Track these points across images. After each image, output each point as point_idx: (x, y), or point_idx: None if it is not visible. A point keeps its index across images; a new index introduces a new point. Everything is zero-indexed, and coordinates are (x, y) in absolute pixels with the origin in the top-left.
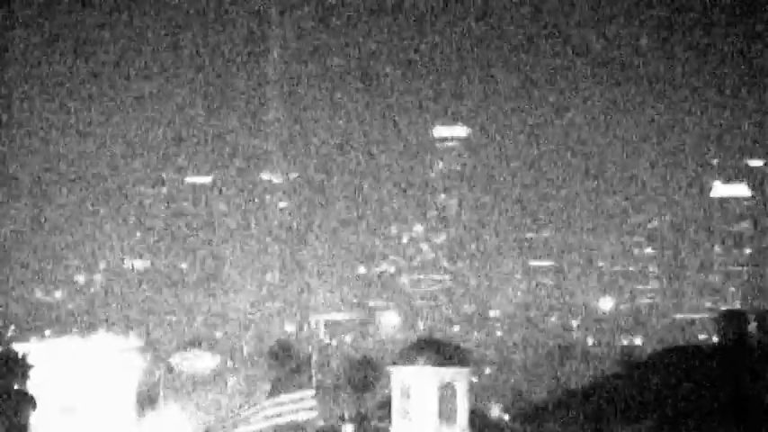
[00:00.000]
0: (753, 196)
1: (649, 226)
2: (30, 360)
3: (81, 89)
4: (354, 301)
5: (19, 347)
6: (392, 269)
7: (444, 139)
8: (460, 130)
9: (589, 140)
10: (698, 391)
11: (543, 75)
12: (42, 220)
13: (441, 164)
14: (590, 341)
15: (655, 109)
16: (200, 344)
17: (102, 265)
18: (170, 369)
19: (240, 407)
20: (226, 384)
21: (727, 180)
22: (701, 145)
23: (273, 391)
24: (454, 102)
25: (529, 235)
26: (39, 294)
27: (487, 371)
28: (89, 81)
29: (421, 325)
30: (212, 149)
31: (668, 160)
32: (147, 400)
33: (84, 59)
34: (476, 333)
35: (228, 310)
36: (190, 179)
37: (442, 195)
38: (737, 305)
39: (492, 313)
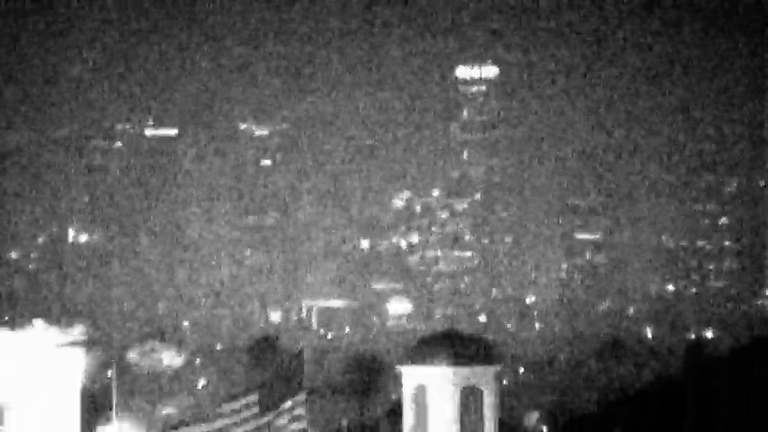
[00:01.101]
0: None
1: (726, 190)
2: None
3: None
4: (356, 283)
5: None
6: (403, 244)
7: (469, 82)
8: (489, 71)
9: (650, 83)
10: None
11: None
12: None
13: (464, 112)
14: (649, 333)
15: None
16: (162, 336)
17: (40, 239)
18: (124, 368)
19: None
20: (194, 387)
21: None
22: None
23: (249, 393)
24: (481, 35)
25: (573, 201)
26: None
27: (522, 371)
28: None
29: (438, 314)
30: (178, 94)
31: (753, 105)
32: (95, 407)
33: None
34: (508, 324)
35: (198, 295)
36: (151, 131)
37: (466, 153)
38: None
39: (528, 300)
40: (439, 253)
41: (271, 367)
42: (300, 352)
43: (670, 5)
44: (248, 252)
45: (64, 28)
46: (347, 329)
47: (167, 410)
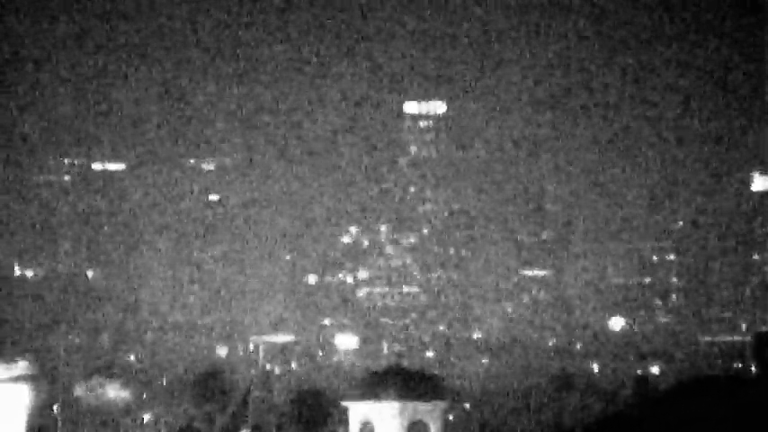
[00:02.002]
0: None
1: (672, 228)
2: None
3: None
4: (303, 319)
5: None
6: (350, 279)
7: (417, 117)
8: (437, 106)
9: (598, 120)
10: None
11: (542, 34)
12: None
13: (413, 148)
14: (596, 368)
15: (681, 84)
16: (108, 371)
17: None
18: (70, 404)
19: None
20: (140, 422)
21: None
22: (735, 130)
23: None
24: (430, 72)
25: (521, 238)
26: None
27: (468, 406)
28: None
29: (385, 349)
30: (126, 128)
31: (696, 147)
32: None
33: None
34: (454, 359)
35: (144, 329)
36: (98, 165)
37: (413, 188)
38: None
39: (475, 335)
40: (386, 289)
41: (216, 402)
42: (248, 388)
43: (617, 31)
44: (195, 287)
45: (17, 61)
46: (294, 364)
47: None
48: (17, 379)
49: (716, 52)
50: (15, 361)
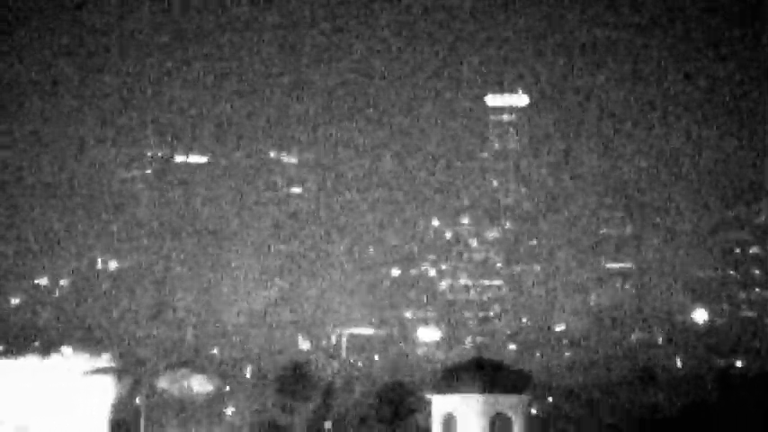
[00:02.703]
0: None
1: (756, 221)
2: None
3: (48, 56)
4: (385, 312)
5: None
6: (433, 272)
7: (499, 110)
8: (519, 99)
9: (683, 111)
10: None
11: (621, 24)
12: None
13: (495, 141)
14: (679, 362)
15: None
16: (192, 363)
17: (70, 266)
18: (153, 395)
19: None
20: (222, 414)
21: None
22: None
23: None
24: (511, 64)
25: (604, 231)
26: None
27: (551, 399)
28: (58, 47)
29: (468, 342)
30: (209, 122)
31: None
32: None
33: (57, 29)
34: (537, 353)
35: (228, 322)
36: (180, 158)
37: (496, 181)
38: None
39: (558, 328)
40: (469, 282)
41: (299, 395)
42: (331, 383)
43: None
44: (278, 279)
45: (95, 57)
46: (376, 357)
47: None
48: (102, 371)
49: None
50: (100, 353)
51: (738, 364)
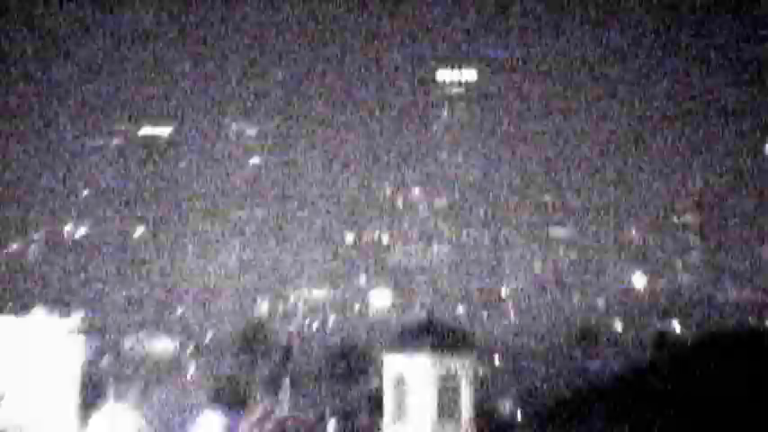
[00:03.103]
0: None
1: (692, 188)
2: None
3: (12, 25)
4: (340, 276)
5: None
6: (385, 238)
7: (448, 84)
8: (468, 74)
9: (621, 83)
10: (749, 384)
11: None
12: None
13: (444, 113)
14: (618, 325)
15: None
16: (156, 325)
17: (38, 232)
18: (119, 354)
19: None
20: (185, 373)
21: None
22: (758, 93)
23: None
24: (461, 39)
25: (547, 198)
26: None
27: (497, 360)
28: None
29: (418, 305)
30: (171, 94)
31: (717, 106)
32: (92, 391)
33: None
34: (484, 315)
35: (190, 285)
36: (145, 130)
37: (445, 151)
38: None
39: (503, 292)
40: (419, 247)
41: (258, 354)
42: (289, 345)
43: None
44: (237, 244)
45: (59, 30)
46: (331, 319)
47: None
48: (71, 332)
49: None
50: (69, 314)
51: (675, 326)
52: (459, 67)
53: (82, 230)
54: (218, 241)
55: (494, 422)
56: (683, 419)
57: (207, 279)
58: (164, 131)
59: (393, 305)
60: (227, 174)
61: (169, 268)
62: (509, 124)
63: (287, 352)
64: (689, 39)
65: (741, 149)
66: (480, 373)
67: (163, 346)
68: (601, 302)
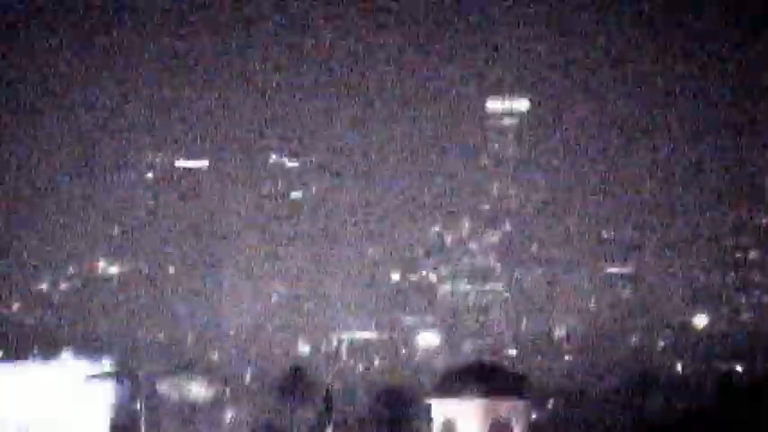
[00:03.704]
0: None
1: (755, 223)
2: None
3: (49, 57)
4: (385, 316)
5: None
6: (433, 277)
7: (499, 115)
8: (519, 103)
9: (685, 114)
10: None
11: (627, 27)
12: None
13: (494, 145)
14: (679, 366)
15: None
16: (192, 368)
17: (69, 270)
18: (153, 399)
19: None
20: (222, 418)
21: None
22: None
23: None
24: (512, 68)
25: (605, 235)
26: None
27: (552, 404)
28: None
29: (468, 347)
30: (210, 126)
31: None
32: None
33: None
34: (537, 357)
35: (227, 326)
36: (181, 163)
37: (496, 185)
38: None
39: (558, 332)
40: (469, 286)
41: (299, 399)
42: (329, 387)
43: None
44: (278, 284)
45: (96, 59)
46: (376, 362)
47: None
48: (102, 376)
49: None
50: (100, 358)
51: (739, 368)
52: (511, 97)
53: (114, 269)
54: (257, 279)
55: None
56: None
57: (246, 319)
58: (201, 164)
59: (441, 347)
60: (267, 208)
61: (206, 307)
62: (563, 156)
63: (330, 396)
64: None
65: None
66: (534, 417)
67: (199, 389)
68: (661, 343)
